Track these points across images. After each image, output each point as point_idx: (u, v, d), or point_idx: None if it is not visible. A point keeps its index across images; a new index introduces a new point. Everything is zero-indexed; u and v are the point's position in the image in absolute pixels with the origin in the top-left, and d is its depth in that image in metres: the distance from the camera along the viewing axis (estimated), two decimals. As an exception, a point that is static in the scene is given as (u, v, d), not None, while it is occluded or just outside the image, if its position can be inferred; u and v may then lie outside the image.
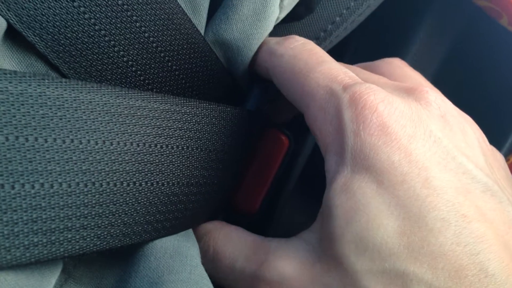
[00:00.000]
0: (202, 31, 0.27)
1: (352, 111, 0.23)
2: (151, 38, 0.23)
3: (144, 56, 0.24)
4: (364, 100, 0.23)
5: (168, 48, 0.24)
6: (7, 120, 0.18)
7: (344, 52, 0.40)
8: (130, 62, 0.23)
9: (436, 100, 0.24)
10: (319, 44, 0.34)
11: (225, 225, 0.28)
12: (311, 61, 0.26)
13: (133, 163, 0.22)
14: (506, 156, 0.37)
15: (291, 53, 0.27)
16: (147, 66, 0.24)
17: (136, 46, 0.23)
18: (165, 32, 0.24)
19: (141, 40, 0.23)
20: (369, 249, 0.21)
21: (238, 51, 0.28)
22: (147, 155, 0.22)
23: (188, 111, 0.24)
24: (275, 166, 0.31)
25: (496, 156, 0.27)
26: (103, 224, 0.21)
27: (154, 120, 0.22)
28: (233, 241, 0.27)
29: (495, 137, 0.37)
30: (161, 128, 0.23)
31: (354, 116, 0.23)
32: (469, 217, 0.21)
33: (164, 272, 0.23)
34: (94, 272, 0.24)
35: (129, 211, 0.22)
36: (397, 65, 0.30)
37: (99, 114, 0.20)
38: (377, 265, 0.21)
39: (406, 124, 0.23)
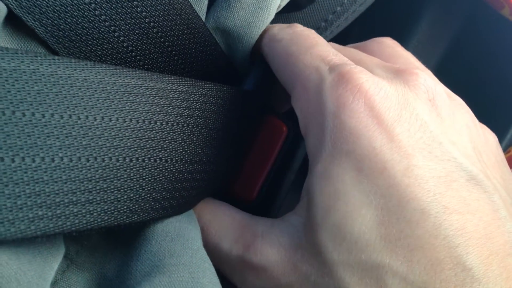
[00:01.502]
0: (203, 18, 0.27)
1: (334, 91, 0.22)
2: (151, 24, 0.23)
3: (144, 41, 0.24)
4: (347, 80, 0.22)
5: (168, 33, 0.24)
6: (1, 95, 0.18)
7: (345, 42, 0.40)
8: (130, 48, 0.23)
9: (425, 82, 0.23)
10: (320, 34, 0.35)
11: (213, 201, 0.28)
12: (304, 44, 0.25)
13: (134, 139, 0.21)
14: (506, 148, 0.37)
15: (289, 38, 0.26)
16: (147, 51, 0.24)
17: (137, 32, 0.23)
18: (166, 18, 0.24)
19: (142, 25, 0.23)
20: (347, 239, 0.21)
21: (239, 39, 0.28)
22: (148, 132, 0.22)
23: (185, 89, 0.24)
24: (273, 154, 0.31)
25: (488, 140, 0.26)
26: (109, 199, 0.21)
27: (151, 97, 0.22)
28: (220, 218, 0.26)
29: (496, 129, 0.37)
30: (159, 106, 0.23)
31: (335, 96, 0.22)
32: (450, 208, 0.20)
33: (165, 256, 0.23)
34: (97, 258, 0.24)
35: (134, 187, 0.22)
36: (388, 44, 0.29)
37: (95, 91, 0.20)
38: (353, 256, 0.20)
39: (391, 106, 0.22)
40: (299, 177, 0.35)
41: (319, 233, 0.21)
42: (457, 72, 0.39)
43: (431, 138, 0.21)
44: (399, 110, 0.22)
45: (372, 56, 0.27)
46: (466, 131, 0.24)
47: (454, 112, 0.24)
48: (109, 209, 0.21)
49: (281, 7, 0.29)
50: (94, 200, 0.20)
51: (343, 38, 0.38)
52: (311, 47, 0.25)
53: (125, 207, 0.21)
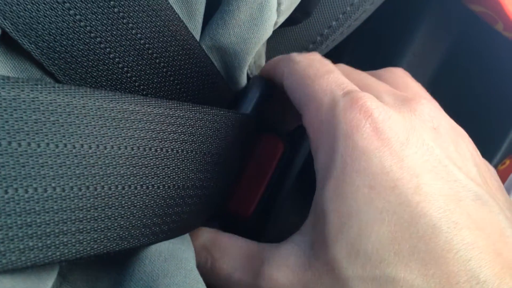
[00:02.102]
0: (198, 36, 0.27)
1: (348, 114, 0.23)
2: (146, 45, 0.24)
3: (140, 62, 0.24)
4: (360, 105, 0.23)
5: (163, 54, 0.24)
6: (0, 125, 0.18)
7: (341, 56, 0.40)
8: (125, 69, 0.24)
9: (431, 112, 0.25)
10: (315, 48, 0.35)
11: (221, 235, 0.28)
12: (322, 69, 0.27)
13: (128, 166, 0.22)
14: (501, 160, 0.37)
15: (306, 62, 0.28)
16: (142, 72, 0.24)
17: (132, 53, 0.23)
18: (160, 39, 0.24)
19: (137, 47, 0.23)
20: (361, 255, 0.21)
21: (235, 56, 0.28)
22: (142, 159, 0.22)
23: (182, 114, 0.24)
24: (269, 171, 0.31)
25: (489, 168, 0.27)
26: (99, 227, 0.21)
27: (148, 123, 0.22)
28: (229, 252, 0.27)
29: (491, 141, 0.37)
30: (155, 132, 0.23)
31: (348, 119, 0.23)
32: (460, 224, 0.21)
33: (159, 276, 0.23)
34: (89, 276, 0.25)
35: (125, 214, 0.22)
36: (399, 75, 0.30)
37: (93, 118, 0.20)
38: (368, 272, 0.21)
39: (399, 131, 0.23)
40: (294, 192, 0.35)
41: (333, 250, 0.22)
42: (451, 85, 0.39)
43: (437, 161, 0.23)
44: (406, 135, 0.23)
45: (383, 82, 0.28)
46: (470, 157, 0.25)
47: (457, 140, 0.25)
48: (98, 238, 0.21)
49: (278, 24, 0.29)
50: (84, 229, 0.20)
51: (339, 52, 0.39)
52: (328, 73, 0.26)
53: (115, 235, 0.21)
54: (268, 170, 0.31)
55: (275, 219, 0.35)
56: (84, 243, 0.20)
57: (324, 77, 0.26)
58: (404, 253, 0.21)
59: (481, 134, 0.35)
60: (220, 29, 0.27)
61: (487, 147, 0.37)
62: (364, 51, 0.40)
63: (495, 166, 0.37)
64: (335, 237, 0.22)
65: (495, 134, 0.37)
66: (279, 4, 0.27)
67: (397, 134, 0.23)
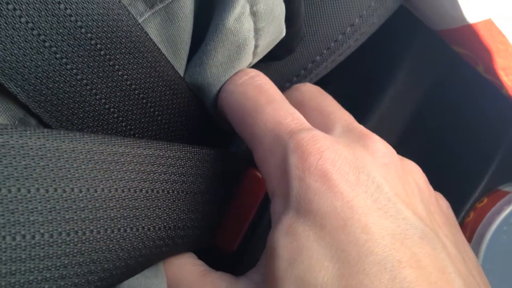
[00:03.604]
0: (182, 73, 0.27)
1: (298, 157, 0.24)
2: (133, 86, 0.24)
3: (126, 103, 0.24)
4: (309, 148, 0.24)
5: (150, 94, 0.25)
6: None
7: (324, 89, 0.40)
8: (112, 109, 0.23)
9: (383, 148, 0.25)
10: (299, 81, 0.35)
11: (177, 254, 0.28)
12: (260, 100, 0.26)
13: (118, 209, 0.22)
14: (480, 198, 0.37)
15: (241, 90, 0.27)
16: (129, 113, 0.24)
17: (118, 94, 0.23)
18: (147, 80, 0.24)
19: (123, 88, 0.23)
20: None
21: (210, 96, 0.28)
22: (132, 201, 0.22)
23: (172, 155, 0.24)
24: (254, 207, 0.31)
25: (439, 202, 0.28)
26: (82, 272, 0.20)
27: (138, 165, 0.22)
28: (182, 268, 0.27)
29: (469, 179, 0.38)
30: (145, 173, 0.23)
31: (299, 162, 0.23)
32: (404, 262, 0.21)
33: None
34: None
35: (111, 257, 0.22)
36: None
37: (82, 162, 0.20)
38: None
39: (349, 171, 0.23)
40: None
41: (282, 285, 0.22)
42: (433, 121, 0.39)
43: (387, 199, 0.23)
44: (357, 174, 0.23)
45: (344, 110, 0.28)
46: (418, 192, 0.26)
47: (406, 176, 0.26)
48: (79, 282, 0.21)
49: (252, 63, 0.29)
50: (67, 275, 0.20)
51: (322, 85, 0.39)
52: (267, 105, 0.26)
53: (96, 278, 0.21)
54: (253, 206, 0.31)
55: (254, 250, 0.35)
56: None
57: (266, 112, 0.25)
58: None
59: (460, 171, 0.36)
60: (198, 68, 0.27)
61: (466, 185, 0.37)
62: (348, 84, 0.40)
63: (473, 204, 0.37)
64: (285, 272, 0.22)
65: (474, 172, 0.37)
66: (256, 47, 0.27)
67: (347, 174, 0.23)
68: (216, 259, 0.31)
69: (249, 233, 0.32)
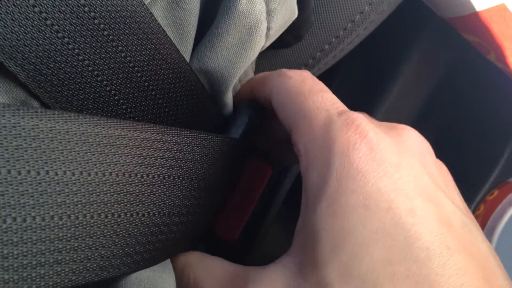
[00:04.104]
0: (188, 58, 0.26)
1: (344, 133, 0.23)
2: (135, 68, 0.23)
3: (128, 85, 0.23)
4: (356, 125, 0.23)
5: (153, 77, 0.24)
6: None
7: (333, 79, 0.40)
8: (113, 92, 0.23)
9: (417, 138, 0.25)
10: (307, 70, 0.35)
11: (206, 256, 0.28)
12: (315, 87, 0.26)
13: (112, 193, 0.21)
14: (490, 190, 0.37)
15: (299, 78, 0.27)
16: (130, 95, 0.24)
17: (120, 76, 0.23)
18: (150, 62, 0.24)
19: (126, 69, 0.23)
20: (354, 277, 0.21)
21: (222, 79, 0.28)
22: (127, 185, 0.22)
23: (169, 139, 0.24)
24: (257, 196, 0.31)
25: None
26: (78, 258, 0.20)
27: (134, 149, 0.22)
28: (213, 273, 0.26)
29: (480, 171, 0.37)
30: (141, 157, 0.22)
31: (345, 137, 0.23)
32: (452, 248, 0.21)
33: None
34: None
35: (107, 243, 0.21)
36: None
37: (76, 144, 0.20)
38: None
39: (393, 153, 0.23)
40: (281, 216, 0.35)
41: (324, 271, 0.21)
42: (443, 111, 0.39)
43: (427, 186, 0.23)
44: (399, 158, 0.23)
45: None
46: (453, 185, 0.25)
47: (439, 168, 0.25)
48: (77, 269, 0.20)
49: (265, 47, 0.29)
50: (63, 260, 0.19)
51: (330, 75, 0.38)
52: (321, 91, 0.26)
53: (94, 265, 0.21)
54: (255, 194, 0.30)
55: (261, 242, 0.34)
56: (62, 274, 0.20)
57: (319, 94, 0.26)
58: (398, 276, 0.20)
59: (471, 163, 0.35)
60: (208, 52, 0.27)
61: (476, 177, 0.37)
62: (356, 75, 0.40)
63: (484, 196, 0.37)
64: (327, 258, 0.21)
65: (484, 164, 0.37)
66: (268, 29, 0.27)
67: (391, 156, 0.23)
68: (220, 252, 0.31)
69: (255, 224, 0.32)
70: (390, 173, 0.22)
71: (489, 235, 0.36)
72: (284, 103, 0.27)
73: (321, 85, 0.27)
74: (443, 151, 0.38)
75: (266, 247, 0.35)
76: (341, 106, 0.25)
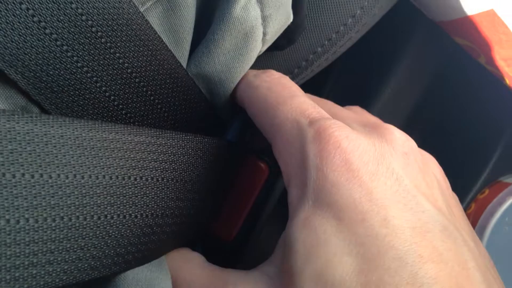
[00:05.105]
0: (185, 64, 0.27)
1: (316, 146, 0.23)
2: (133, 74, 0.24)
3: (126, 91, 0.24)
4: (328, 136, 0.23)
5: (150, 83, 0.24)
6: None
7: (326, 80, 0.40)
8: (112, 97, 0.23)
9: (401, 137, 0.25)
10: (300, 73, 0.35)
11: (187, 252, 0.28)
12: (283, 94, 0.26)
13: (105, 196, 0.21)
14: (481, 189, 0.37)
15: (266, 85, 0.27)
16: (129, 101, 0.24)
17: (119, 82, 0.23)
18: (148, 68, 0.24)
19: (124, 75, 0.23)
20: (328, 286, 0.21)
21: (220, 84, 0.28)
22: (120, 188, 0.22)
23: (163, 142, 0.24)
24: (254, 195, 0.31)
25: (453, 194, 0.28)
26: (70, 258, 0.20)
27: (128, 152, 0.22)
28: (191, 269, 0.26)
29: (471, 170, 0.38)
30: (135, 160, 0.23)
31: (317, 151, 0.23)
32: (425, 257, 0.21)
33: None
34: None
35: (99, 244, 0.22)
36: (358, 110, 0.30)
37: (70, 147, 0.20)
38: None
39: (369, 161, 0.23)
40: (275, 215, 0.35)
41: (299, 280, 0.22)
42: (434, 112, 0.39)
43: (406, 191, 0.23)
44: (376, 165, 0.23)
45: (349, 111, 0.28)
46: (437, 184, 0.25)
47: (425, 167, 0.25)
48: (69, 269, 0.20)
49: (261, 52, 0.29)
50: (55, 260, 0.20)
51: (323, 76, 0.39)
52: (290, 99, 0.26)
53: (86, 265, 0.21)
54: (252, 194, 0.31)
55: (256, 242, 0.35)
56: (54, 274, 0.20)
57: (287, 103, 0.26)
58: (370, 285, 0.20)
59: (462, 163, 0.35)
60: (205, 57, 0.27)
61: (467, 176, 0.37)
62: (348, 78, 0.40)
63: (475, 195, 0.37)
64: (302, 267, 0.22)
65: (475, 163, 0.37)
66: (264, 34, 0.27)
67: (367, 164, 0.23)
68: (217, 250, 0.31)
69: (251, 223, 0.32)
70: (365, 183, 0.22)
71: (480, 233, 0.36)
72: (256, 116, 0.27)
73: (288, 90, 0.27)
74: (435, 150, 0.39)
75: (262, 246, 0.35)
76: (312, 112, 0.25)
